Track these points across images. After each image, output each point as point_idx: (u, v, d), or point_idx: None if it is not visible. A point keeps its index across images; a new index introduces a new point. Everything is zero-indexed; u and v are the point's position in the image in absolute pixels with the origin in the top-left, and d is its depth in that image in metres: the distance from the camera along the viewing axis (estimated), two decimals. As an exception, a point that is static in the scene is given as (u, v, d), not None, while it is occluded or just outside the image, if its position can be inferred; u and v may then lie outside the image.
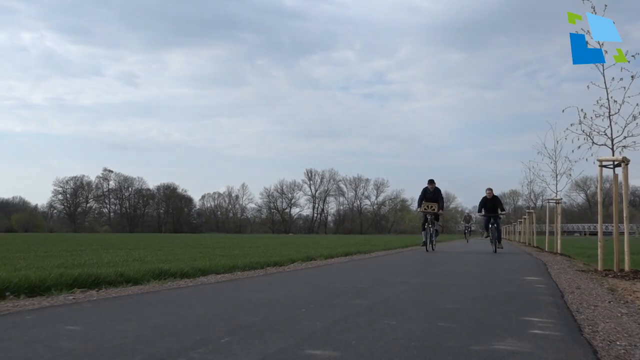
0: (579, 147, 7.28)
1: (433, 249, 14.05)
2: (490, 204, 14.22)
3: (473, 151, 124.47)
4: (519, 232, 32.28)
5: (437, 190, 13.90)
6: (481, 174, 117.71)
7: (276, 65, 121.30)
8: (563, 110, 7.33)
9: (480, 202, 14.40)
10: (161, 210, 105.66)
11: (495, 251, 13.89)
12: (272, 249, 13.10)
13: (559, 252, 13.24)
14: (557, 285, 5.45)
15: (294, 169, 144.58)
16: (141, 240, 22.31)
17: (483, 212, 14.41)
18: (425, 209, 13.67)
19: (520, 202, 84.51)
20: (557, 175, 14.13)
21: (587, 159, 7.33)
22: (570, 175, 13.40)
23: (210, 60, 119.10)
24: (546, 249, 15.23)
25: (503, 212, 14.37)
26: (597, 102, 6.93)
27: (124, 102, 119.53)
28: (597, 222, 6.98)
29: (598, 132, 6.92)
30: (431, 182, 13.85)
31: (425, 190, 13.93)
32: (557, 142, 14.04)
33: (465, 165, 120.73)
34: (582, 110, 7.17)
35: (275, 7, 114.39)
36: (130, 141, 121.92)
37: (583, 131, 7.15)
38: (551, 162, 14.36)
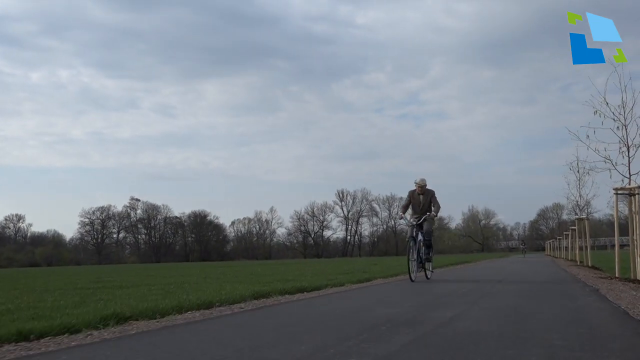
0: None
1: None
2: (423, 200, 10.22)
3: (511, 168, 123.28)
4: (565, 247, 26.71)
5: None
6: (520, 190, 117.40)
7: (309, 91, 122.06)
8: None
9: (407, 199, 10.44)
10: (189, 239, 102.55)
11: (426, 277, 10.04)
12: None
13: None
14: None
15: (329, 191, 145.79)
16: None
17: (410, 215, 10.23)
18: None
19: (564, 216, 76.85)
20: (628, 148, 8.38)
21: None
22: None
23: (244, 88, 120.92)
24: (617, 274, 9.66)
25: (431, 215, 10.11)
26: None
27: (162, 133, 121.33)
28: None
29: None
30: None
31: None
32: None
33: (503, 182, 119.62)
34: None
35: (305, 34, 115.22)
36: (170, 171, 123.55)
37: None
38: (617, 127, 8.50)
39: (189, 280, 11.42)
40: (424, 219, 9.96)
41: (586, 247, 16.94)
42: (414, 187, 10.22)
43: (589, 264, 15.97)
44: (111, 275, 15.67)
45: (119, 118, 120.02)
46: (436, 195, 10.16)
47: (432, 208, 10.14)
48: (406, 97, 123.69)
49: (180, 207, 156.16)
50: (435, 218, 10.16)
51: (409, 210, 10.24)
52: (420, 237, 9.81)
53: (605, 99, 8.52)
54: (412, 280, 9.17)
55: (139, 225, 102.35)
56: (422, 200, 10.15)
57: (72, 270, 28.76)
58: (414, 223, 9.79)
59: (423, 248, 9.88)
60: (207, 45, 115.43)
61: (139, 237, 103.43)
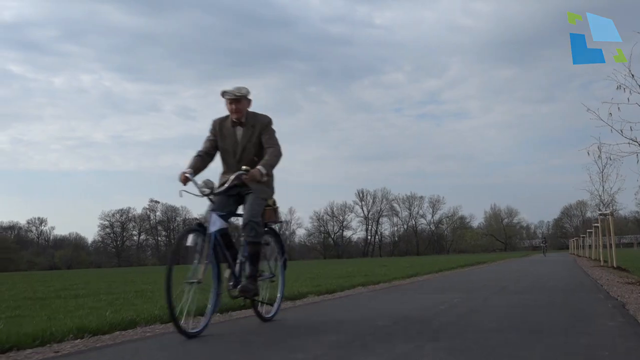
0: None
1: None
2: (244, 139, 4.62)
3: (532, 167, 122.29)
4: (589, 245, 25.17)
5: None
6: (543, 188, 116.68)
7: (328, 92, 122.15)
8: None
9: (209, 136, 4.81)
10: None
11: (261, 317, 4.75)
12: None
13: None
14: None
15: (349, 192, 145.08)
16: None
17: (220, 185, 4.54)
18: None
19: (589, 213, 74.00)
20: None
21: None
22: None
23: (263, 90, 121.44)
24: None
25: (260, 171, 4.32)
26: None
27: (182, 136, 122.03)
28: None
29: None
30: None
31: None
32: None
33: (526, 180, 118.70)
34: None
35: (323, 35, 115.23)
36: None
37: None
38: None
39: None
40: (239, 177, 4.36)
41: (611, 245, 15.51)
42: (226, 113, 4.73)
43: (614, 264, 14.60)
44: (89, 281, 14.74)
45: (140, 121, 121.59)
46: (274, 127, 4.74)
47: (265, 155, 4.53)
48: (425, 96, 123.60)
49: (199, 209, 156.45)
50: (269, 175, 4.53)
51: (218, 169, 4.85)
52: (219, 224, 4.23)
53: (630, 70, 7.27)
54: (184, 334, 3.89)
55: (159, 227, 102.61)
56: (242, 137, 4.65)
57: (75, 274, 28.10)
58: (216, 191, 4.45)
59: (241, 255, 4.49)
60: (225, 48, 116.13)
61: (159, 239, 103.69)
